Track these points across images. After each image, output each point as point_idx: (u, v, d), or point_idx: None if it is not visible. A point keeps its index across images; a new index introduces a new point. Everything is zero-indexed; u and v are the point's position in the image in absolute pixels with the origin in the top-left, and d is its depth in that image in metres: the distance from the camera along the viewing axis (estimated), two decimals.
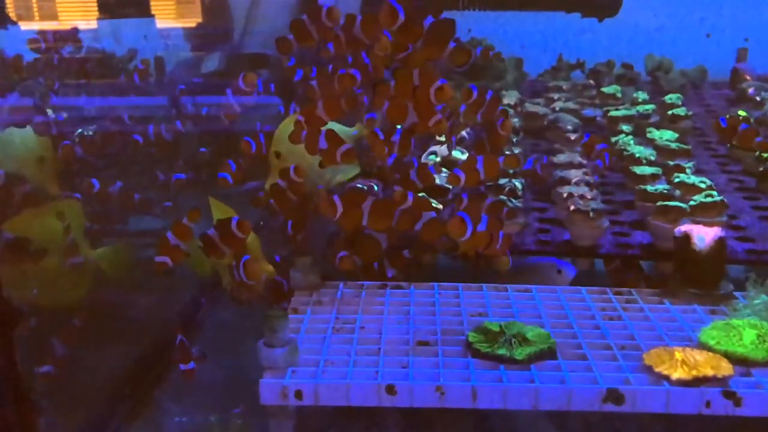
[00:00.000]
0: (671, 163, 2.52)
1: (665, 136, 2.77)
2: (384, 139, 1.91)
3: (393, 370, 1.62)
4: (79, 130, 2.57)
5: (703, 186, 2.30)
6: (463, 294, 2.00)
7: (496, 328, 1.72)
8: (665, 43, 3.85)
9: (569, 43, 3.88)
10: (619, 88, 3.39)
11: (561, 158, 2.59)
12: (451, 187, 2.26)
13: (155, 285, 2.33)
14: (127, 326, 2.35)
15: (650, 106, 3.14)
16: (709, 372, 1.56)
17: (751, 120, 2.84)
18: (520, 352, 1.65)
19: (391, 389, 1.57)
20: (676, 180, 2.35)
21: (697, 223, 2.06)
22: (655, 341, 1.74)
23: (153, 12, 3.67)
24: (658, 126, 2.94)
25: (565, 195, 2.26)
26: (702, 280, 1.94)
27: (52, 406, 1.91)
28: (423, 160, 2.50)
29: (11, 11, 3.66)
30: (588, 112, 3.16)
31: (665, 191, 2.25)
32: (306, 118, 1.94)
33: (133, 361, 2.18)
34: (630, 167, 2.49)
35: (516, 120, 2.97)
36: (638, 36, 3.88)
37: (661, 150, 2.64)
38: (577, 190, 2.27)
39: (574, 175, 2.42)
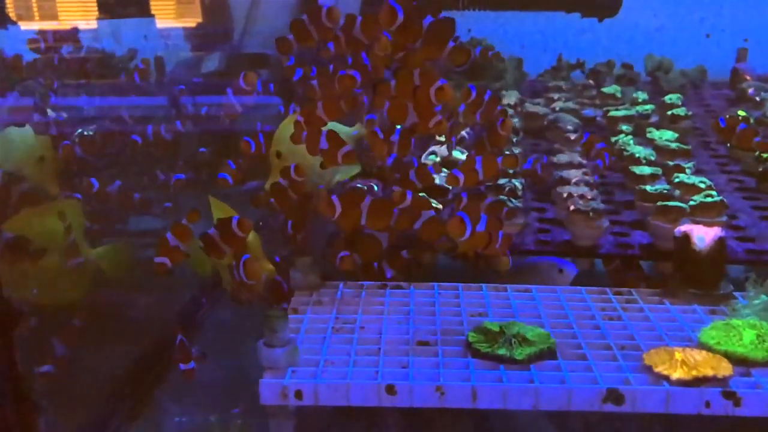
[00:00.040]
0: (671, 163, 2.53)
1: (665, 136, 2.77)
2: (384, 139, 1.91)
3: (393, 370, 1.62)
4: (79, 130, 2.57)
5: (702, 186, 2.30)
6: (463, 294, 2.00)
7: (496, 328, 1.72)
8: (665, 43, 3.85)
9: (569, 43, 3.88)
10: (619, 88, 3.39)
11: (561, 158, 2.59)
12: (450, 187, 2.26)
13: (155, 285, 2.33)
14: (127, 326, 2.35)
15: (650, 106, 3.14)
16: (709, 372, 1.56)
17: (751, 120, 2.84)
18: (520, 352, 1.65)
19: (391, 389, 1.57)
20: (676, 180, 2.36)
21: (697, 223, 2.06)
22: (655, 341, 1.74)
23: (153, 12, 3.67)
24: (658, 126, 2.94)
25: (565, 195, 2.26)
26: (702, 280, 1.94)
27: (52, 406, 1.91)
28: (423, 160, 2.50)
29: (11, 11, 3.66)
30: (588, 112, 3.16)
31: (665, 191, 2.25)
32: (306, 118, 1.94)
33: (133, 361, 2.18)
34: (630, 167, 2.49)
35: (516, 120, 2.97)
36: (638, 36, 3.88)
37: (661, 150, 2.64)
38: (577, 190, 2.27)
39: (574, 175, 2.42)
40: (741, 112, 2.95)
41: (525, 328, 1.74)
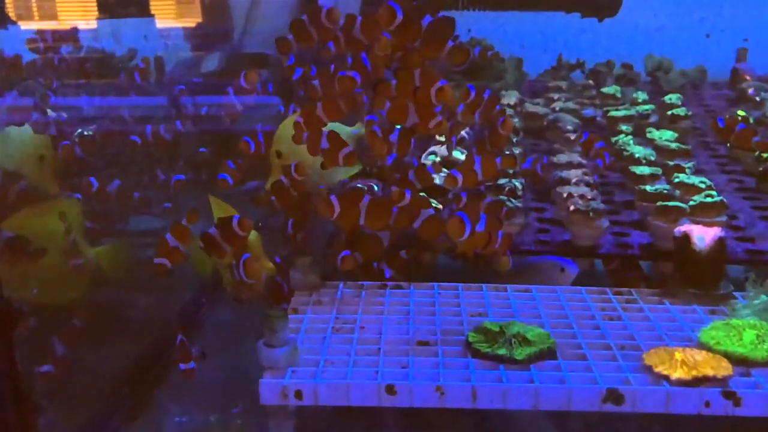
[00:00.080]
0: (671, 163, 2.53)
1: (665, 136, 2.77)
2: (383, 139, 1.91)
3: (393, 370, 1.62)
4: (79, 130, 2.57)
5: (702, 186, 2.30)
6: (463, 294, 2.00)
7: (496, 328, 1.72)
8: (665, 43, 3.85)
9: (569, 43, 3.88)
10: (618, 88, 3.39)
11: (561, 158, 2.59)
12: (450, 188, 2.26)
13: (155, 285, 2.33)
14: (127, 326, 2.35)
15: (650, 106, 3.14)
16: (709, 372, 1.56)
17: (751, 120, 2.84)
18: (520, 352, 1.65)
19: (391, 389, 1.57)
20: (676, 180, 2.36)
21: (697, 223, 2.06)
22: (654, 341, 1.74)
23: (153, 12, 3.66)
24: (657, 126, 2.94)
25: (565, 195, 2.26)
26: (702, 280, 1.94)
27: (52, 406, 1.91)
28: (423, 160, 2.50)
29: (11, 11, 3.66)
30: (588, 112, 3.17)
31: (665, 191, 2.25)
32: (305, 119, 1.94)
33: (133, 361, 2.18)
34: (630, 167, 2.49)
35: (516, 120, 2.97)
36: (638, 36, 3.88)
37: (661, 150, 2.64)
38: (577, 190, 2.27)
39: (574, 175, 2.42)
40: (741, 112, 2.96)
41: (525, 328, 1.74)
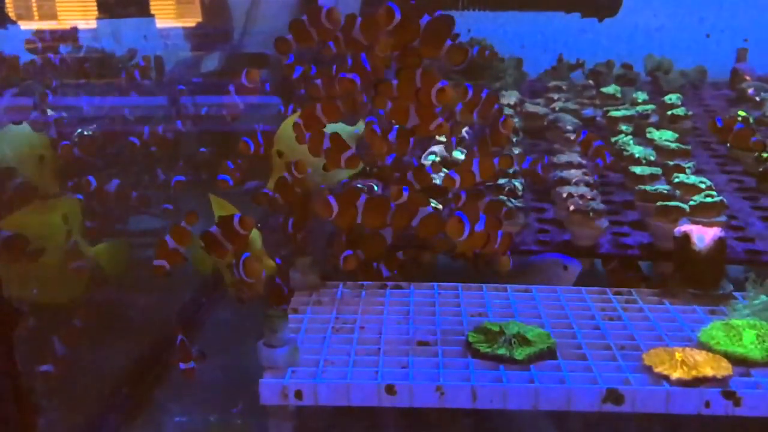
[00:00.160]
0: (671, 163, 2.53)
1: (665, 136, 2.77)
2: (383, 138, 1.91)
3: (393, 370, 1.62)
4: (79, 130, 2.57)
5: (702, 186, 2.30)
6: (463, 294, 2.00)
7: (496, 328, 1.72)
8: (665, 43, 3.85)
9: (569, 43, 3.88)
10: (618, 88, 3.39)
11: (561, 158, 2.59)
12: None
13: (155, 285, 2.33)
14: (127, 326, 2.36)
15: (650, 107, 3.14)
16: (709, 372, 1.56)
17: (751, 120, 2.84)
18: (520, 353, 1.65)
19: (390, 389, 1.57)
20: (676, 180, 2.36)
21: (697, 223, 2.06)
22: (654, 341, 1.74)
23: (153, 12, 3.66)
24: (657, 126, 2.94)
25: (564, 195, 2.26)
26: (701, 280, 1.94)
27: (52, 406, 1.91)
28: (423, 160, 2.50)
29: (11, 11, 3.66)
30: (588, 112, 3.16)
31: (665, 191, 2.25)
32: (305, 120, 1.94)
33: (133, 361, 2.18)
34: (629, 167, 2.49)
35: (516, 120, 2.97)
36: (638, 36, 3.88)
37: (661, 150, 2.64)
38: (576, 190, 2.27)
39: (574, 175, 2.42)
40: (741, 113, 2.96)
41: (525, 328, 1.74)
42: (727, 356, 1.62)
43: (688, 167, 2.50)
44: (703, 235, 1.91)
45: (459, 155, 2.50)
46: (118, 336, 2.27)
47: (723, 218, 2.19)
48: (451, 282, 2.05)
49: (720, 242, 1.92)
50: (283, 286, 2.06)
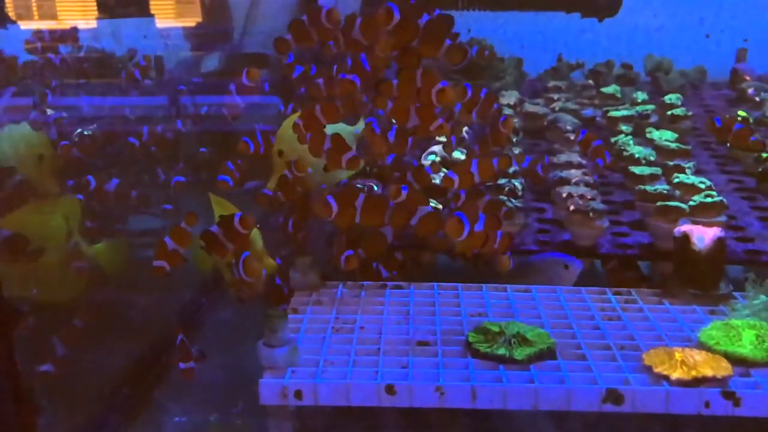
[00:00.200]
0: (671, 163, 2.53)
1: (665, 136, 2.77)
2: (382, 137, 1.91)
3: (393, 370, 1.62)
4: (79, 130, 2.57)
5: (702, 186, 2.30)
6: (463, 294, 2.00)
7: (496, 329, 1.72)
8: (665, 43, 3.85)
9: (569, 43, 3.88)
10: (618, 88, 3.39)
11: (561, 158, 2.59)
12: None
13: (155, 285, 2.33)
14: (127, 326, 2.36)
15: (650, 107, 3.14)
16: (709, 372, 1.56)
17: (751, 120, 2.84)
18: (520, 353, 1.65)
19: (390, 389, 1.57)
20: (676, 180, 2.36)
21: (697, 223, 2.06)
22: (654, 341, 1.74)
23: (153, 12, 3.66)
24: (657, 126, 2.94)
25: (564, 195, 2.26)
26: (701, 280, 1.94)
27: (52, 406, 1.91)
28: (423, 160, 2.50)
29: (11, 11, 3.66)
30: (588, 112, 3.16)
31: (665, 191, 2.25)
32: (304, 121, 1.95)
33: (133, 360, 2.18)
34: (629, 167, 2.49)
35: (516, 120, 2.97)
36: (638, 36, 3.88)
37: (661, 150, 2.64)
38: (576, 190, 2.27)
39: (574, 175, 2.42)
40: (741, 113, 2.96)
41: (525, 328, 1.74)
42: (727, 356, 1.62)
43: (688, 167, 2.50)
44: (703, 236, 1.91)
45: (459, 155, 2.50)
46: (118, 336, 2.27)
47: (723, 218, 2.19)
48: (451, 282, 2.05)
49: (720, 242, 1.92)
50: (283, 286, 2.06)
